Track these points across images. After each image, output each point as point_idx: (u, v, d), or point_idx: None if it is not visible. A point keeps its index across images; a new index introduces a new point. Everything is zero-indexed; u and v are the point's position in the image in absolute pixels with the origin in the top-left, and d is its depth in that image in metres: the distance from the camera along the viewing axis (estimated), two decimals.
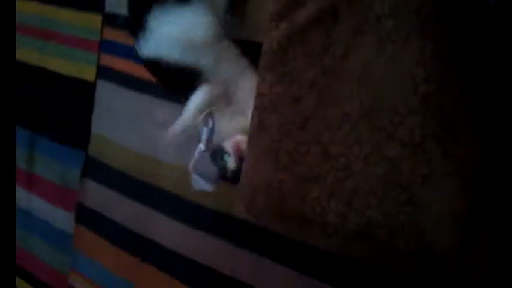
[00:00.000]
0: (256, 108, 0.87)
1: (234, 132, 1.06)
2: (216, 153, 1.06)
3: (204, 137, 1.07)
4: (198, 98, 1.09)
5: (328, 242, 0.83)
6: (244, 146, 1.00)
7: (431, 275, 0.79)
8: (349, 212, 0.77)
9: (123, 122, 1.46)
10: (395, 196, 0.75)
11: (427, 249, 0.74)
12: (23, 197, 1.69)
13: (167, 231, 1.36)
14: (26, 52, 1.68)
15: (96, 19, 1.50)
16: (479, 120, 0.72)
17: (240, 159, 0.99)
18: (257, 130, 0.87)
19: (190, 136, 1.17)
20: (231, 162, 1.03)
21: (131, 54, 1.40)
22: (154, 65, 1.16)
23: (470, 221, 0.72)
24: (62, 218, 1.59)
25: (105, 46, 1.49)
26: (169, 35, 1.10)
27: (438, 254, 0.74)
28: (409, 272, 0.84)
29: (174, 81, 1.16)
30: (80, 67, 1.54)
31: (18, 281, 1.71)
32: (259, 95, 0.87)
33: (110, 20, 1.48)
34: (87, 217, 1.54)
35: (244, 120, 0.98)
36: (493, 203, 0.73)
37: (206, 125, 1.07)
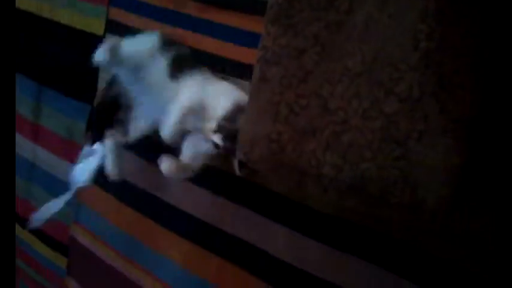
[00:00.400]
0: (258, 61, 0.89)
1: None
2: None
3: None
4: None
5: (323, 196, 0.85)
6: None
7: (422, 231, 0.82)
8: (344, 164, 0.80)
9: None
10: (390, 150, 0.77)
11: (418, 205, 0.76)
12: (28, 148, 1.73)
13: (170, 187, 1.39)
14: (36, 4, 1.70)
15: None
16: (478, 79, 0.73)
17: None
18: (259, 83, 0.89)
19: None
20: None
21: (140, 8, 1.42)
22: None
23: (464, 178, 0.74)
24: (67, 170, 1.63)
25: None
26: None
27: (429, 210, 0.76)
28: (400, 228, 0.86)
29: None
30: (89, 20, 1.56)
31: (21, 231, 1.76)
32: (262, 48, 0.88)
33: None
34: None
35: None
36: (488, 161, 0.75)
37: None
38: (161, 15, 1.37)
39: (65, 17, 1.63)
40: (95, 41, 1.53)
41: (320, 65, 0.83)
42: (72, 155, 1.61)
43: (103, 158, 1.24)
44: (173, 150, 1.12)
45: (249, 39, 1.18)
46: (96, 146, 1.25)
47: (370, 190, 0.79)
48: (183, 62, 1.15)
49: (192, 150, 1.10)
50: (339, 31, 0.82)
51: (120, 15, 1.49)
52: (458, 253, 0.90)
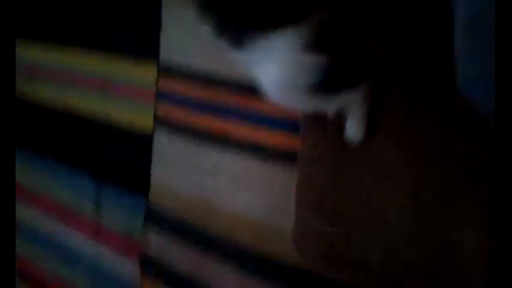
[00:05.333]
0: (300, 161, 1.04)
1: None
2: None
3: None
4: None
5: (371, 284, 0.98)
6: None
7: None
8: (388, 258, 0.93)
9: (179, 170, 1.65)
10: (432, 240, 0.89)
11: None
12: (91, 247, 1.92)
13: (222, 278, 1.53)
14: (91, 103, 1.95)
15: (151, 69, 1.73)
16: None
17: None
18: (303, 182, 1.04)
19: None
20: None
21: (186, 102, 1.62)
22: None
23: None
24: (128, 268, 1.79)
25: (162, 96, 1.72)
26: None
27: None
28: None
29: None
30: (137, 117, 1.78)
31: None
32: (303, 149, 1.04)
33: (166, 69, 1.71)
34: (151, 267, 1.73)
35: None
36: None
37: None
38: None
39: (116, 115, 1.86)
40: (144, 137, 1.73)
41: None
42: (131, 252, 1.79)
43: None
44: None
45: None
46: None
47: (416, 278, 0.91)
48: None
49: None
50: None
51: (167, 110, 1.69)
52: None
